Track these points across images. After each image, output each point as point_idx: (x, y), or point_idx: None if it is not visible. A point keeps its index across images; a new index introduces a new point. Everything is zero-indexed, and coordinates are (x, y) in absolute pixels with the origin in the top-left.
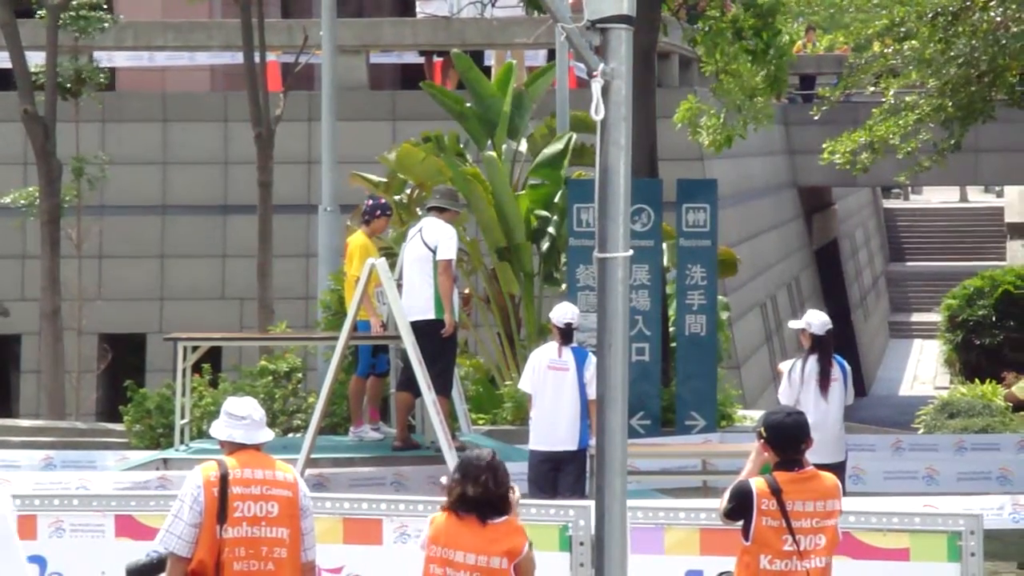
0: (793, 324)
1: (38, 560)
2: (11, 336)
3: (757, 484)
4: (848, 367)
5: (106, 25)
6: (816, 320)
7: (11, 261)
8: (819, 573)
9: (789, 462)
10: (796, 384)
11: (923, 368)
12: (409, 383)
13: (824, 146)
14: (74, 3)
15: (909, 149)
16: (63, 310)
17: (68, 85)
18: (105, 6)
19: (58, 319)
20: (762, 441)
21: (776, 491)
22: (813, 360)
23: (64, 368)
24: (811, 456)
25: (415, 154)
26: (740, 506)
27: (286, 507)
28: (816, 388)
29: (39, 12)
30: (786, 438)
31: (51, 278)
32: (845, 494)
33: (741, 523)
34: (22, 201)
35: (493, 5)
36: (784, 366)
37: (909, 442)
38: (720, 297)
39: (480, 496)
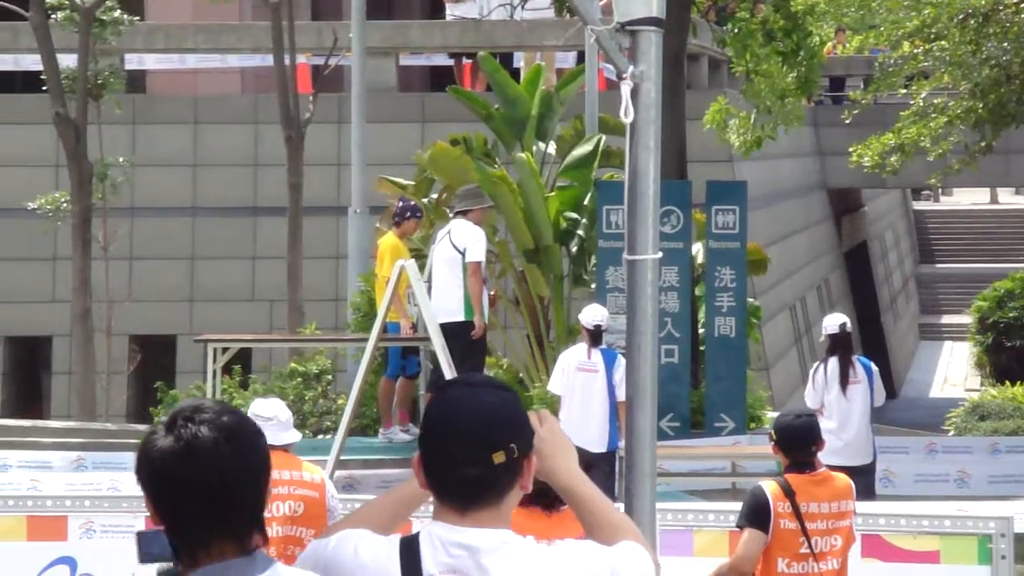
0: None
1: (68, 561)
2: (42, 337)
3: (770, 488)
4: (875, 368)
5: (123, 28)
6: (830, 321)
7: (42, 263)
8: (835, 575)
9: (800, 464)
10: (820, 386)
11: (953, 370)
12: (439, 385)
13: (852, 149)
14: (104, 5)
15: (940, 152)
16: (93, 311)
17: (88, 89)
18: (120, 10)
19: (89, 320)
20: (773, 444)
21: (789, 493)
22: (833, 361)
23: (95, 369)
24: (837, 458)
25: (450, 153)
26: (758, 514)
27: (312, 507)
28: (838, 389)
29: (59, 14)
30: (796, 440)
31: (82, 279)
32: (875, 497)
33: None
34: (48, 207)
35: (523, 7)
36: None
37: (943, 444)
38: (751, 300)
39: (543, 486)
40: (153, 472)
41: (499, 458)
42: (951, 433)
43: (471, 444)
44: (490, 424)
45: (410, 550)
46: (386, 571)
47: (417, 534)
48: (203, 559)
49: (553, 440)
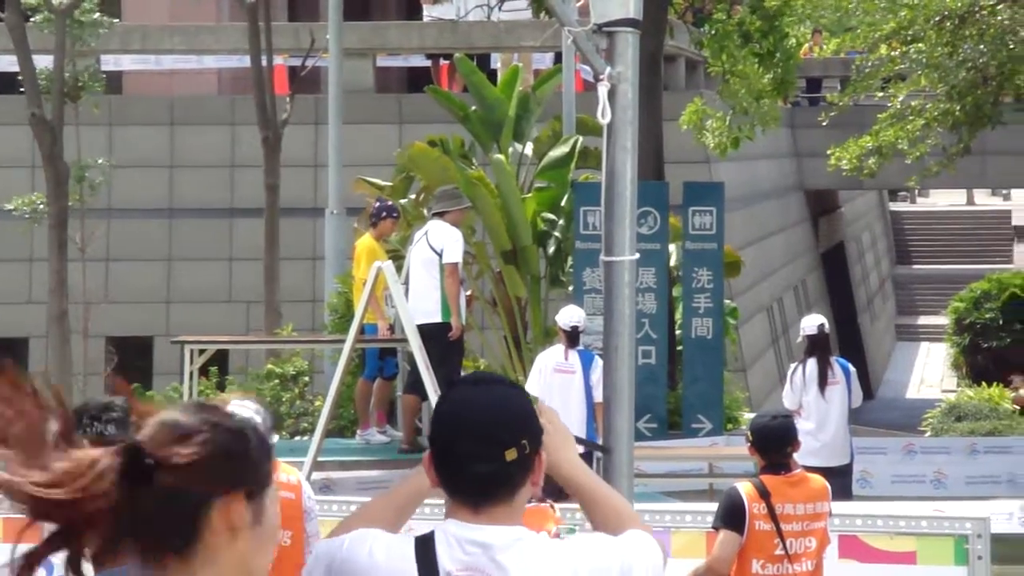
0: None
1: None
2: (18, 339)
3: (745, 489)
4: (852, 369)
5: (103, 31)
6: (808, 322)
7: (18, 264)
8: None
9: (776, 465)
10: (798, 387)
11: (930, 371)
12: (416, 386)
13: (830, 152)
14: (81, 7)
15: (918, 154)
16: (70, 313)
17: (67, 90)
18: (99, 12)
19: (65, 322)
20: (749, 445)
21: (765, 494)
22: (812, 362)
23: (71, 371)
24: (815, 459)
25: (430, 153)
26: (733, 515)
27: (289, 509)
28: (816, 390)
29: (36, 16)
30: (772, 441)
31: (58, 281)
32: (852, 498)
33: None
34: (25, 208)
35: (500, 8)
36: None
37: (921, 445)
38: (728, 302)
39: None
40: None
41: (511, 455)
42: (928, 434)
43: (483, 441)
44: (502, 421)
45: (426, 548)
46: (402, 570)
47: (432, 532)
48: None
49: (554, 432)
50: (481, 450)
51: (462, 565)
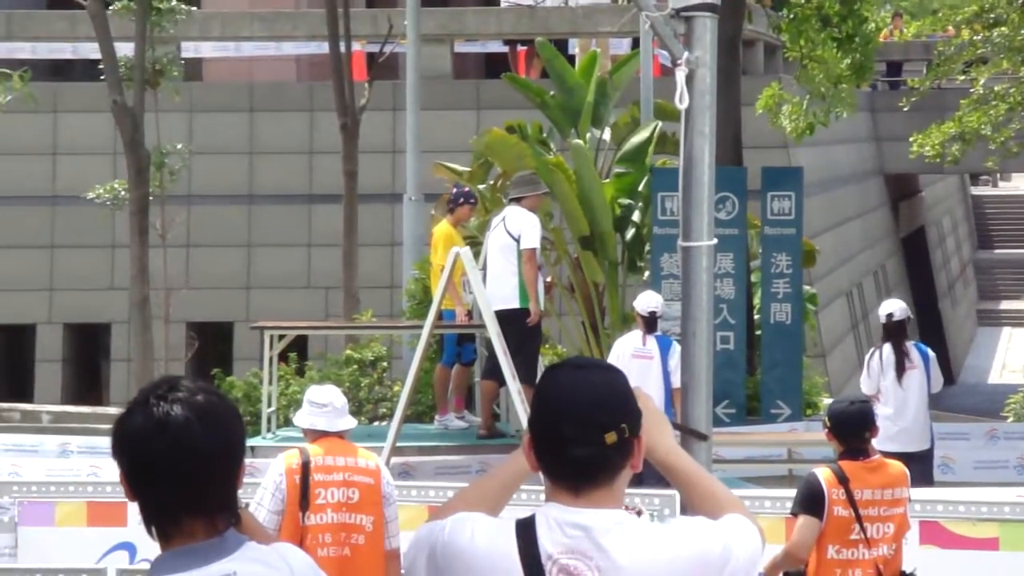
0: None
1: (128, 547)
2: (101, 325)
3: (824, 474)
4: (932, 353)
5: (180, 17)
6: (885, 308)
7: (100, 251)
8: (886, 561)
9: (854, 451)
10: (875, 372)
11: (1012, 356)
12: (494, 371)
13: (912, 139)
14: None
15: (1002, 139)
16: (151, 299)
17: (146, 77)
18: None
19: (147, 308)
20: (827, 430)
21: (843, 480)
22: (888, 347)
23: (153, 356)
24: (893, 444)
25: (507, 140)
26: (812, 500)
27: (368, 494)
28: (893, 375)
29: (118, 4)
30: (850, 427)
31: (140, 267)
32: (933, 484)
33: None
34: (106, 196)
35: None
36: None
37: (1004, 430)
38: (807, 287)
39: None
40: (126, 448)
41: (611, 438)
42: (1010, 420)
43: (584, 425)
44: (602, 405)
45: (527, 532)
46: (504, 554)
47: (533, 516)
48: (175, 536)
49: (649, 416)
50: (581, 433)
51: (564, 548)
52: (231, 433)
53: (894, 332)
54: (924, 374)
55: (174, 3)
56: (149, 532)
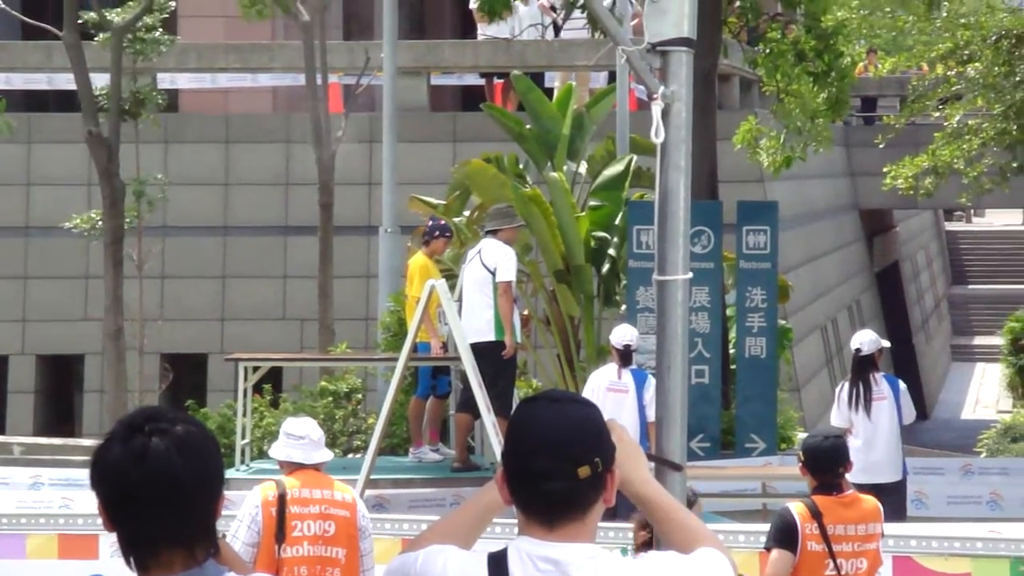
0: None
1: None
2: (74, 356)
3: (798, 509)
4: (902, 385)
5: (164, 48)
6: (854, 342)
7: (75, 281)
8: None
9: (828, 486)
10: (845, 405)
11: (985, 391)
12: (469, 404)
13: (886, 170)
14: (138, 25)
15: (974, 174)
16: (125, 330)
17: (127, 107)
18: (160, 28)
19: (121, 339)
20: (801, 465)
21: (817, 514)
22: (856, 379)
23: (127, 388)
24: (864, 476)
25: (486, 170)
26: (785, 535)
27: (344, 527)
28: (862, 407)
29: (100, 35)
30: (823, 462)
31: (114, 298)
32: (905, 517)
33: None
34: (83, 226)
35: (556, 34)
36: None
37: (978, 465)
38: (782, 322)
39: None
40: (105, 479)
41: (584, 472)
42: (983, 455)
43: (557, 459)
44: (575, 439)
45: (499, 565)
46: None
47: (505, 549)
48: (153, 568)
49: (624, 448)
50: (554, 467)
51: None
52: (210, 464)
53: (862, 365)
54: (894, 405)
55: (159, 34)
56: (128, 563)
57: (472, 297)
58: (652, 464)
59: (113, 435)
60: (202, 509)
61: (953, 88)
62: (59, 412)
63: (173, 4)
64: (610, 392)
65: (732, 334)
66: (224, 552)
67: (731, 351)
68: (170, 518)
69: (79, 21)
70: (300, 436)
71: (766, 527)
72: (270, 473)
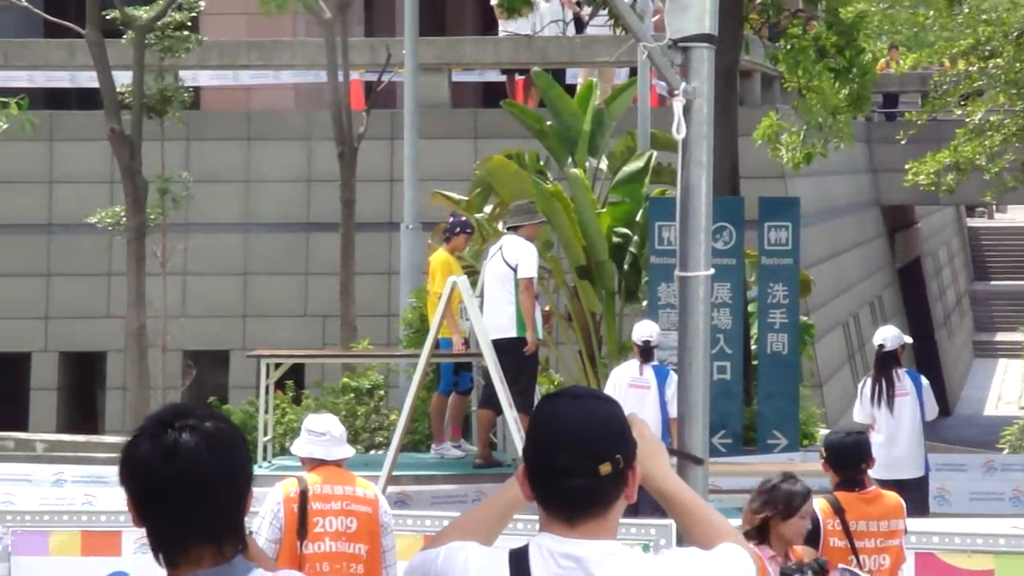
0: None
1: None
2: (97, 353)
3: (820, 505)
4: (925, 381)
5: (190, 46)
6: (877, 338)
7: (97, 279)
8: None
9: (850, 482)
10: (867, 401)
11: (1008, 388)
12: (491, 400)
13: (908, 167)
14: (160, 23)
15: (996, 170)
16: (148, 327)
17: (153, 104)
18: (190, 24)
19: (143, 336)
20: (823, 461)
21: (839, 510)
22: (879, 375)
23: (149, 385)
24: (886, 471)
25: (508, 167)
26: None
27: (365, 523)
28: (885, 403)
29: (126, 33)
30: (846, 458)
31: (137, 295)
32: (928, 513)
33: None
34: (108, 220)
35: (578, 31)
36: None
37: (1001, 462)
38: (804, 318)
39: None
40: (134, 475)
41: (605, 469)
42: (1006, 451)
43: (578, 455)
44: (596, 435)
45: (520, 562)
46: None
47: (526, 546)
48: (182, 563)
49: (645, 444)
50: (576, 464)
51: None
52: (239, 460)
53: (885, 361)
54: (917, 401)
55: (185, 32)
56: (156, 558)
57: (494, 293)
58: (673, 459)
59: (143, 431)
60: (230, 505)
61: (975, 84)
62: (82, 409)
63: (203, 3)
64: (632, 388)
65: (754, 330)
66: (252, 548)
67: (753, 347)
68: (199, 514)
69: (105, 18)
70: (322, 432)
71: None
72: (292, 470)
